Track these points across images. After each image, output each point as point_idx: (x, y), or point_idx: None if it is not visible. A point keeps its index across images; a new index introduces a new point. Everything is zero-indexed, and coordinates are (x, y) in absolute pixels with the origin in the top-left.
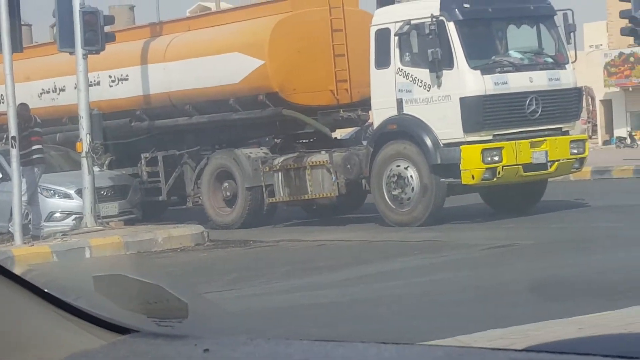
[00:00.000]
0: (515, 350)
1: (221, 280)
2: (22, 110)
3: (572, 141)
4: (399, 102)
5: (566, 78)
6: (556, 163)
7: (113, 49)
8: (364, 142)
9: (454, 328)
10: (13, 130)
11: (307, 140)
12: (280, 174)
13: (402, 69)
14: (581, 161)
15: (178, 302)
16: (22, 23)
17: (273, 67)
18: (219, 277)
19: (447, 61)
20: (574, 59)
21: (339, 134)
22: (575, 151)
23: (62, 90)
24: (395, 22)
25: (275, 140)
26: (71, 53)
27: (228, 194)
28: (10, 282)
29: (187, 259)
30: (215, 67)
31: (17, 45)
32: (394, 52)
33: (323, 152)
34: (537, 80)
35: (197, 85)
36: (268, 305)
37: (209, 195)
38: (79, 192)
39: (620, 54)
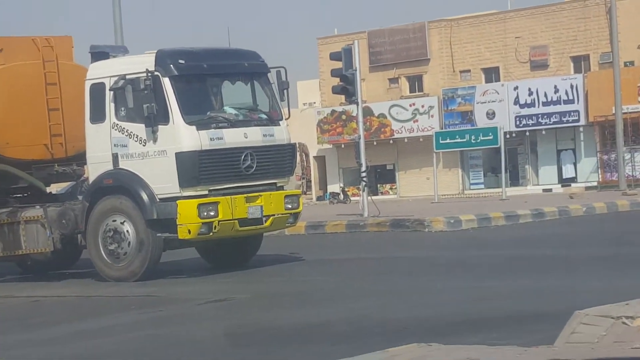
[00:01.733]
0: None
1: None
2: None
3: (286, 196)
4: (115, 157)
5: (280, 134)
6: (271, 218)
7: None
8: (80, 197)
9: None
10: None
11: (21, 195)
12: None
13: (117, 124)
14: (295, 216)
15: None
16: None
17: None
18: None
19: (163, 116)
20: (288, 115)
21: (55, 188)
22: (290, 206)
23: None
24: (111, 76)
25: None
26: None
27: None
28: None
29: None
30: None
31: None
32: (109, 107)
33: (37, 207)
34: (251, 136)
35: None
36: None
37: None
38: None
39: (333, 111)
